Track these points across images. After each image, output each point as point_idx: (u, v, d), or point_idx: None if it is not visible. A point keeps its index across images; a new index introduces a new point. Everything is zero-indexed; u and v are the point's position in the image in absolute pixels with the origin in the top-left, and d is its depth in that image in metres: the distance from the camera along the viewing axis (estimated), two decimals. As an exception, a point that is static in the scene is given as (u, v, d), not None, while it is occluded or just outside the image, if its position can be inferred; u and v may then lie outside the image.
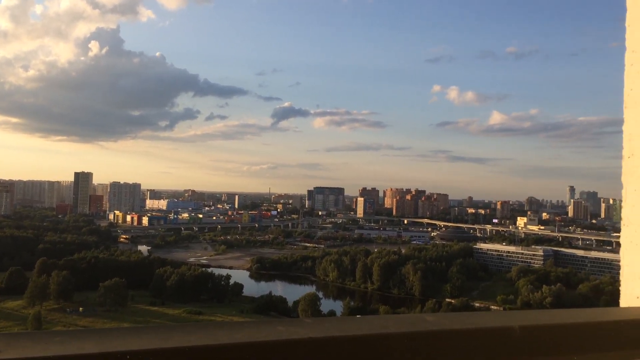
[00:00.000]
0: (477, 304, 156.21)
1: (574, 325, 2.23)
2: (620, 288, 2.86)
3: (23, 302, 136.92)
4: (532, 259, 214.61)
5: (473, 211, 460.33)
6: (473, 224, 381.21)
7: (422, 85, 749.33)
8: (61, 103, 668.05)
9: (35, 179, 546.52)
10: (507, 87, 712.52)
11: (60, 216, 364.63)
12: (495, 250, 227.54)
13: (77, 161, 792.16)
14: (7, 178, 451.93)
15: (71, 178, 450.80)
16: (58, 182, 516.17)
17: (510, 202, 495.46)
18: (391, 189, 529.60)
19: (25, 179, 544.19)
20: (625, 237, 2.84)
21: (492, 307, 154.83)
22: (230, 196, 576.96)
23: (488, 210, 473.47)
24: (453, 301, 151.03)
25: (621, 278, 2.85)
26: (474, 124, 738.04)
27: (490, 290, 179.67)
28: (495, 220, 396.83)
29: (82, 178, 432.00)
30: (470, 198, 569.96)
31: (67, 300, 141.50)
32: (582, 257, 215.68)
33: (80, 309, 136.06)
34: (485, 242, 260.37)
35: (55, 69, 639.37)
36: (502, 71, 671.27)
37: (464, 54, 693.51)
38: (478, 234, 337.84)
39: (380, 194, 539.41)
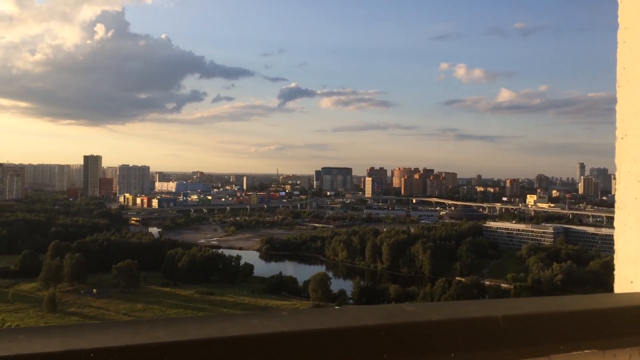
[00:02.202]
0: (487, 282, 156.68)
1: (561, 314, 2.17)
2: (615, 272, 2.79)
3: (37, 284, 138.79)
4: (542, 236, 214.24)
5: (482, 189, 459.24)
6: (482, 203, 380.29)
7: (429, 63, 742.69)
8: (69, 87, 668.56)
9: (45, 163, 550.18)
10: (515, 64, 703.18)
11: (71, 199, 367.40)
12: (505, 229, 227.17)
13: (86, 145, 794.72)
14: (17, 162, 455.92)
15: (81, 161, 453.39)
16: (68, 165, 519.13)
17: (520, 180, 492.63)
18: (399, 169, 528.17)
19: (35, 162, 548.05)
20: (619, 220, 2.78)
21: (503, 285, 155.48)
22: (239, 177, 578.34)
23: (497, 188, 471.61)
24: (463, 279, 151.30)
25: (615, 262, 2.77)
26: (482, 102, 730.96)
27: (500, 268, 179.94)
28: (504, 199, 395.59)
29: (92, 161, 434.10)
30: (479, 176, 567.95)
31: (80, 282, 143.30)
32: (593, 234, 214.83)
33: (94, 290, 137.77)
34: (494, 221, 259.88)
35: (61, 52, 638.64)
36: (511, 48, 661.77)
37: (472, 30, 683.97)
38: (487, 213, 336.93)
39: (389, 174, 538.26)
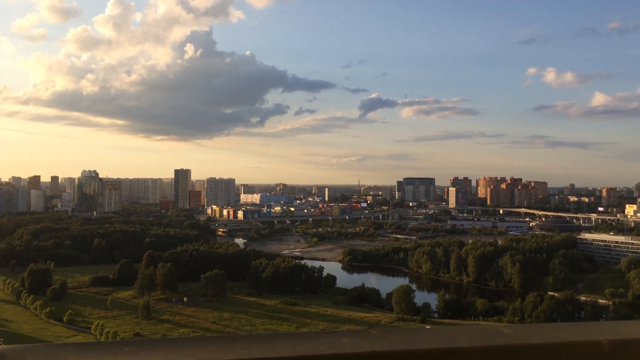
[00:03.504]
0: (583, 298, 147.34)
1: None
2: None
3: (133, 292, 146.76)
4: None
5: (575, 199, 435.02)
6: (576, 213, 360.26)
7: (516, 69, 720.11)
8: (161, 104, 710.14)
9: (139, 177, 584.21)
10: (610, 65, 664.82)
11: (163, 211, 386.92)
12: (602, 241, 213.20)
13: (176, 159, 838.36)
14: (115, 177, 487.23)
15: (172, 175, 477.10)
16: (160, 179, 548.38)
17: (618, 189, 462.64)
18: (484, 178, 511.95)
19: (131, 177, 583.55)
20: None
21: (600, 300, 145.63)
22: (320, 189, 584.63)
23: (592, 198, 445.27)
24: (556, 294, 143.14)
25: None
26: (574, 107, 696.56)
27: (597, 282, 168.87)
28: (600, 209, 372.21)
29: (182, 175, 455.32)
30: (572, 185, 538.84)
31: (172, 290, 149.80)
32: None
33: (185, 299, 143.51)
34: (589, 232, 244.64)
35: (154, 72, 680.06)
36: (605, 49, 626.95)
37: (561, 32, 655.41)
38: (581, 224, 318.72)
39: (473, 184, 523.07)
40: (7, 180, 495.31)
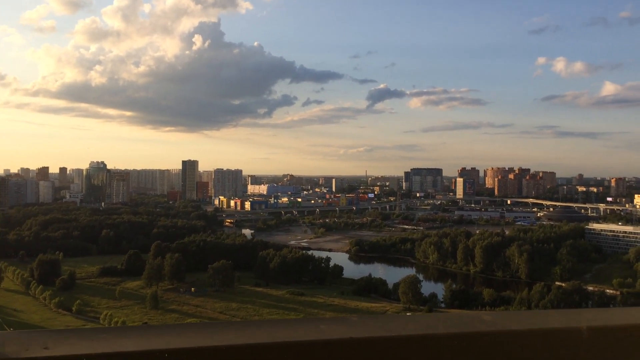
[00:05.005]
0: (590, 288, 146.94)
1: None
2: None
3: (141, 282, 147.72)
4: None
5: (584, 189, 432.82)
6: (584, 203, 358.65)
7: (525, 59, 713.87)
8: (169, 96, 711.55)
9: (147, 168, 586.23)
10: (621, 55, 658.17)
11: (171, 202, 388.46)
12: (610, 231, 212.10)
13: (184, 150, 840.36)
14: (123, 168, 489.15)
15: (179, 166, 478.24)
16: (168, 170, 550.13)
17: (627, 179, 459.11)
18: (492, 168, 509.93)
19: (139, 168, 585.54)
20: None
21: (608, 290, 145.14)
22: (328, 180, 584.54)
23: (601, 188, 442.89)
24: (563, 284, 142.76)
25: None
26: (583, 97, 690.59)
27: (605, 273, 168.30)
28: (609, 199, 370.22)
29: (189, 166, 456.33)
30: (581, 175, 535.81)
31: (180, 281, 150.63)
32: None
33: (192, 289, 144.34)
34: (598, 222, 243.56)
35: (163, 63, 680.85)
36: (615, 38, 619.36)
37: (572, 22, 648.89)
38: (590, 214, 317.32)
39: (481, 174, 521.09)
40: (16, 171, 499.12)
